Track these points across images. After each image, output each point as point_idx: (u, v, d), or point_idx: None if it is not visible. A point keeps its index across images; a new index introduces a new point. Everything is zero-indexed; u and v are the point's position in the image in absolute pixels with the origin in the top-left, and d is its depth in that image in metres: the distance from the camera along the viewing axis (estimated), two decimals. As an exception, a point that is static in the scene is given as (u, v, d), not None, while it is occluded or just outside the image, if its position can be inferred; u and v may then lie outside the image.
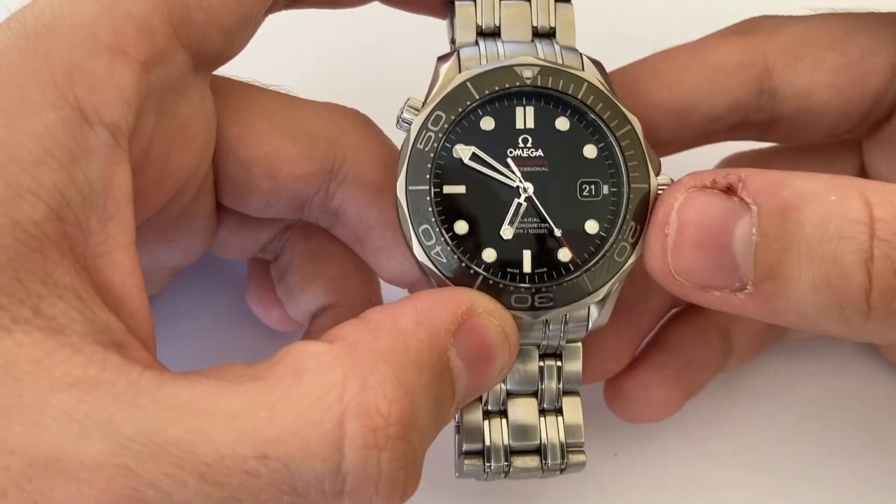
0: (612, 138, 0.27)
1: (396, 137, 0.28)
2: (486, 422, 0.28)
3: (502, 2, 0.27)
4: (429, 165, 0.26)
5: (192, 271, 0.35)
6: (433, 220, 0.26)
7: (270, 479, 0.20)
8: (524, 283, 0.26)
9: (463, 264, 0.26)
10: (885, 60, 0.30)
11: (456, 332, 0.24)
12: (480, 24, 0.27)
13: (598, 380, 0.33)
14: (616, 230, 0.27)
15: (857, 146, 0.33)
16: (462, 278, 0.26)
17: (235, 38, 0.26)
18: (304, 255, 0.32)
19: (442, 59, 0.27)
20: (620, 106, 0.27)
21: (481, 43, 0.27)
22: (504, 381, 0.28)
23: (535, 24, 0.28)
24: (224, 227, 0.31)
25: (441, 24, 0.30)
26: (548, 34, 0.28)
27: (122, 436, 0.20)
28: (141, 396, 0.20)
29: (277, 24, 0.29)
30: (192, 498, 0.20)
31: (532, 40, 0.28)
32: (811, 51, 0.31)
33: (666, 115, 0.30)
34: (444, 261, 0.26)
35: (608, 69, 0.29)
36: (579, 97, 0.27)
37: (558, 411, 0.28)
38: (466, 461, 0.28)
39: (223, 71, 0.28)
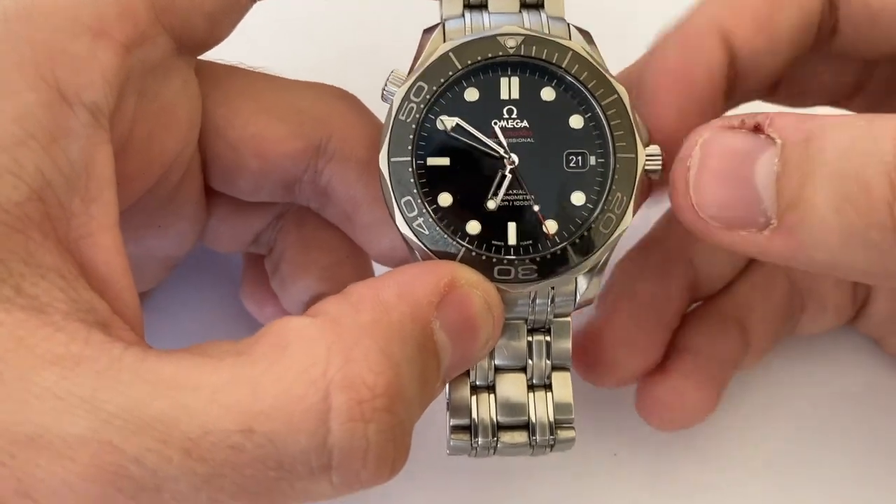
0: (598, 108, 0.27)
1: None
2: (474, 397, 0.28)
3: None
4: (411, 137, 0.26)
5: (185, 269, 0.35)
6: (415, 191, 0.26)
7: (255, 455, 0.20)
8: (509, 255, 0.26)
9: (446, 236, 0.26)
10: None
11: (439, 305, 0.24)
12: None
13: (630, 381, 0.33)
14: (602, 201, 0.26)
15: None
16: (445, 250, 0.26)
17: (219, 22, 0.26)
18: (296, 243, 0.32)
19: (427, 31, 0.27)
20: (607, 75, 0.27)
21: (467, 14, 0.27)
22: (492, 356, 0.27)
23: None
24: (215, 215, 0.31)
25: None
26: (536, 5, 0.28)
27: (104, 412, 0.20)
28: (124, 372, 0.20)
29: (272, 15, 0.29)
30: (177, 473, 0.20)
31: (520, 11, 0.28)
32: None
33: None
34: (427, 233, 0.26)
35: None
36: (564, 66, 0.27)
37: (547, 387, 0.28)
38: (453, 437, 0.27)
39: (211, 57, 0.28)
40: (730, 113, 0.31)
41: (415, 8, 0.30)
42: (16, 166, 0.21)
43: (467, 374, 0.27)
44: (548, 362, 0.28)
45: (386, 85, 0.26)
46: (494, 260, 0.26)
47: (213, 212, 0.31)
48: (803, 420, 0.35)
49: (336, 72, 0.35)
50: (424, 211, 0.26)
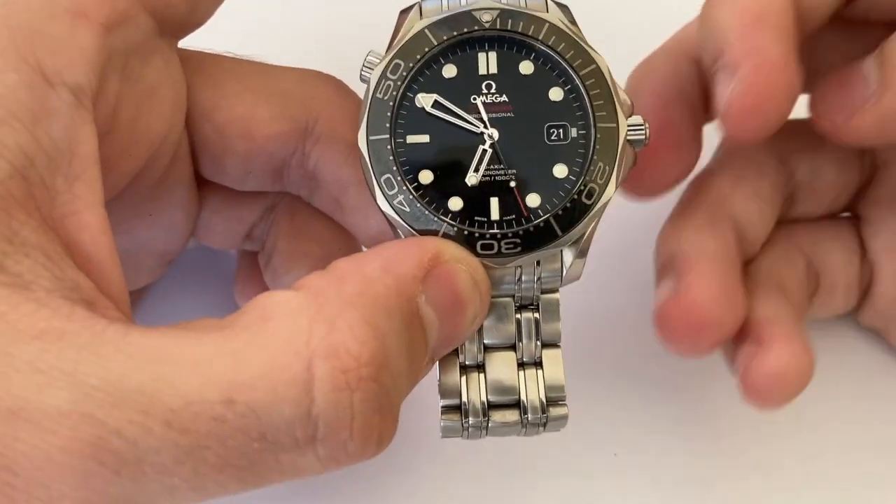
0: (577, 79, 0.27)
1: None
2: (464, 377, 0.27)
3: None
4: (389, 114, 0.26)
5: (180, 271, 0.36)
6: (394, 168, 0.26)
7: (238, 425, 0.20)
8: (492, 229, 0.26)
9: (427, 213, 0.26)
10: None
11: (424, 280, 0.24)
12: None
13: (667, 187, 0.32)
14: (584, 172, 0.26)
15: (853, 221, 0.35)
16: (428, 228, 0.26)
17: (200, 3, 0.27)
18: (288, 234, 0.33)
19: (404, 11, 0.28)
20: (585, 46, 0.27)
21: None
22: (480, 335, 0.27)
23: None
24: (207, 206, 0.32)
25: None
26: None
27: (86, 385, 0.20)
28: (106, 346, 0.20)
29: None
30: (159, 445, 0.20)
31: None
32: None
33: None
34: (408, 210, 0.26)
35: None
36: (541, 38, 0.27)
37: (538, 364, 0.28)
38: (444, 417, 0.27)
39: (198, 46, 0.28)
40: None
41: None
42: None
43: (456, 353, 0.27)
44: (538, 341, 0.28)
45: (363, 65, 0.27)
46: (477, 235, 0.26)
47: (205, 203, 0.31)
48: (803, 419, 0.35)
49: (321, 54, 0.36)
50: (405, 188, 0.26)
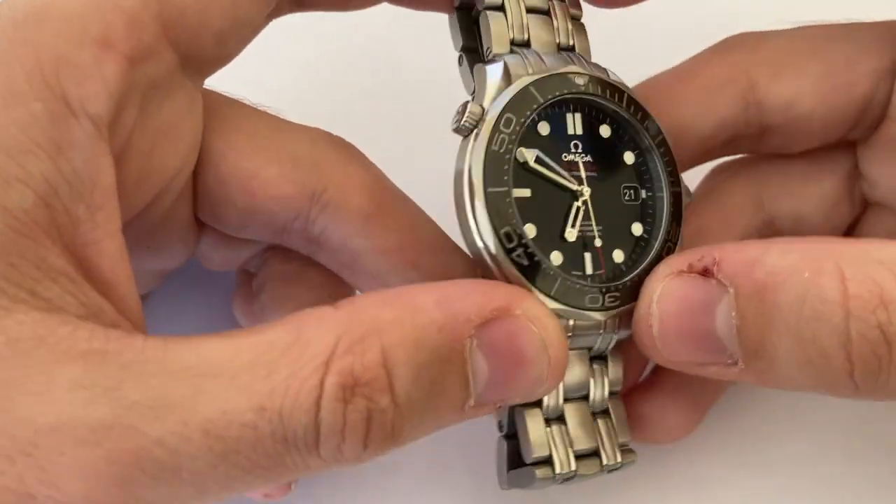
0: (651, 146, 0.28)
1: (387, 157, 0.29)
2: (549, 430, 0.28)
3: (528, 15, 0.28)
4: (505, 167, 0.26)
5: (181, 280, 0.36)
6: (514, 221, 0.26)
7: (267, 430, 0.21)
8: (592, 282, 0.27)
9: (543, 265, 0.26)
10: (868, 66, 0.31)
11: (482, 326, 0.23)
12: (513, 36, 0.28)
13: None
14: (662, 231, 0.28)
15: (850, 147, 0.34)
16: (545, 280, 0.26)
17: (229, 42, 0.26)
18: (279, 277, 0.32)
19: (480, 63, 0.28)
20: (651, 114, 0.28)
21: (519, 52, 0.28)
22: (559, 389, 0.28)
23: (558, 41, 0.29)
24: (204, 241, 0.31)
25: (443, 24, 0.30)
26: (569, 48, 0.29)
27: (129, 399, 0.21)
28: (147, 364, 0.21)
29: (280, 26, 0.30)
30: (196, 452, 0.21)
31: (558, 52, 0.29)
32: (792, 61, 0.31)
33: None
34: (528, 264, 0.26)
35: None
36: (623, 105, 0.28)
37: (606, 413, 0.29)
38: (538, 471, 0.28)
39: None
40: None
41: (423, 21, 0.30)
42: (23, 174, 0.21)
43: (539, 405, 0.28)
44: (604, 389, 0.28)
45: (465, 116, 0.26)
46: (586, 288, 0.26)
47: (203, 238, 0.31)
48: (803, 419, 0.35)
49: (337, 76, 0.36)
50: (524, 241, 0.26)
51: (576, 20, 0.30)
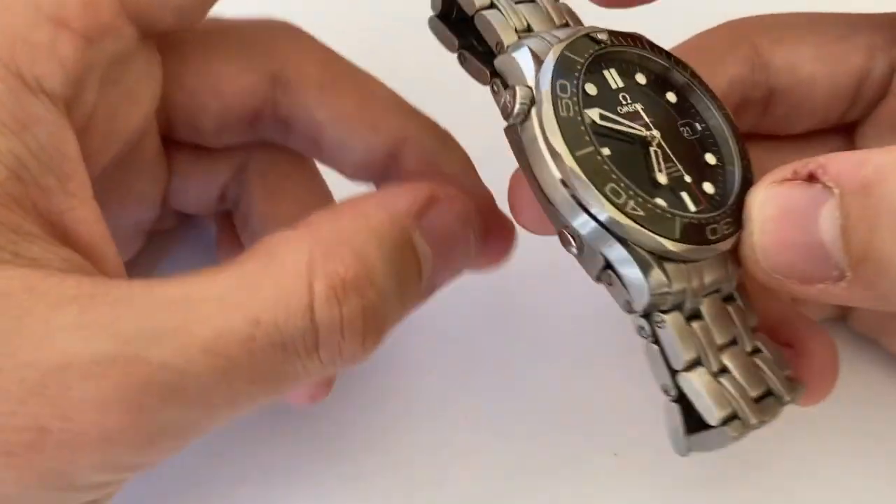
0: (685, 80, 0.28)
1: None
2: (719, 384, 0.26)
3: (517, 5, 0.28)
4: (582, 128, 0.25)
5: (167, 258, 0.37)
6: (614, 176, 0.25)
7: (265, 341, 0.23)
8: (705, 214, 0.26)
9: (658, 211, 0.25)
10: (861, 41, 0.32)
11: (418, 215, 0.26)
12: (515, 25, 0.28)
13: None
14: (735, 154, 0.28)
15: (845, 133, 0.34)
16: (665, 225, 0.25)
17: (189, 13, 0.27)
18: (262, 195, 0.34)
19: (493, 56, 0.28)
20: (672, 54, 0.29)
21: (529, 36, 0.28)
22: (713, 341, 0.27)
23: (555, 21, 0.29)
24: (176, 171, 0.32)
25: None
26: (566, 25, 0.29)
27: (127, 331, 0.22)
28: (137, 299, 0.23)
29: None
30: (201, 370, 0.22)
31: (558, 26, 0.29)
32: (790, 32, 0.32)
33: None
34: (643, 213, 0.25)
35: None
36: (648, 50, 0.28)
37: (757, 350, 0.28)
38: (730, 430, 0.26)
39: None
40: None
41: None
42: None
43: (703, 366, 0.26)
44: (746, 326, 0.28)
45: (516, 101, 0.26)
46: (704, 220, 0.25)
47: (175, 168, 0.32)
48: (803, 419, 0.35)
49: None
50: (632, 192, 0.25)
51: (558, 1, 0.30)
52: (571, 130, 0.25)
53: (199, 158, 0.32)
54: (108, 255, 0.25)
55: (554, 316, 0.38)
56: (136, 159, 0.30)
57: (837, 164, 0.23)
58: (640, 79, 0.28)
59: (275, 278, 0.23)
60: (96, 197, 0.25)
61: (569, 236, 0.26)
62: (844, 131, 0.34)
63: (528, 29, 0.28)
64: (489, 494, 0.34)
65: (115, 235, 0.27)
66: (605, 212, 0.24)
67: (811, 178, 0.24)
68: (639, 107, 0.27)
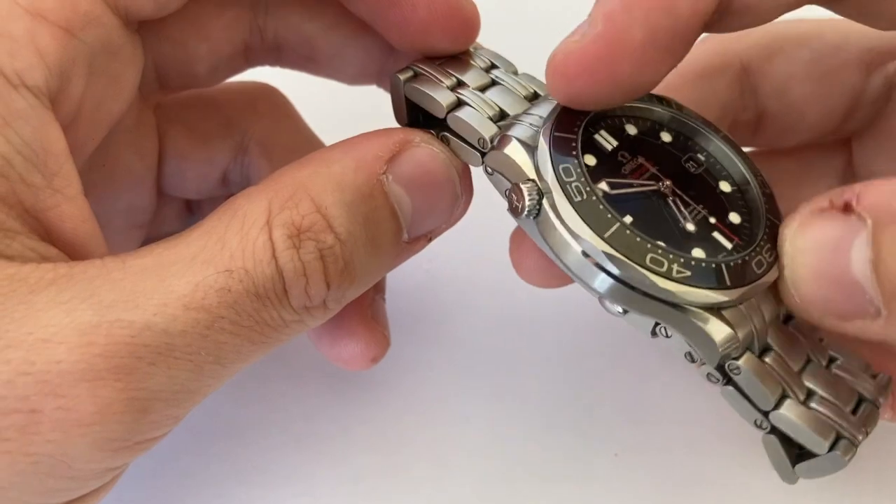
0: (669, 113, 0.28)
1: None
2: (818, 411, 0.26)
3: (486, 92, 0.28)
4: (601, 207, 0.25)
5: None
6: (650, 246, 0.24)
7: (240, 289, 0.23)
8: (743, 252, 0.26)
9: (703, 265, 0.25)
10: (854, 55, 0.31)
11: (391, 160, 0.26)
12: (489, 115, 0.27)
13: None
14: (747, 172, 0.28)
15: (842, 147, 0.34)
16: (712, 277, 0.25)
17: (168, 1, 0.27)
18: (270, 172, 0.33)
19: (497, 147, 0.27)
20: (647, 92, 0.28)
21: (506, 122, 0.27)
22: (788, 370, 0.26)
23: (524, 95, 0.29)
24: (172, 152, 0.32)
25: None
26: (535, 96, 0.29)
27: (107, 300, 0.22)
28: (113, 272, 0.23)
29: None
30: (184, 327, 0.23)
31: (533, 101, 0.29)
32: (782, 46, 0.32)
33: None
34: (690, 273, 0.24)
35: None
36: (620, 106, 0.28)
37: (832, 359, 0.27)
38: (841, 454, 0.26)
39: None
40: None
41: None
42: None
43: (790, 397, 0.26)
44: (813, 340, 0.27)
45: (525, 198, 0.25)
46: (747, 257, 0.25)
47: (170, 148, 0.32)
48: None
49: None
50: (672, 255, 0.24)
51: (516, 74, 0.29)
52: (591, 214, 0.25)
53: (194, 136, 0.32)
54: (95, 253, 0.25)
55: (554, 316, 0.38)
56: (118, 129, 0.29)
57: (874, 194, 0.22)
58: (631, 130, 0.28)
59: (239, 232, 0.24)
60: (83, 177, 0.25)
61: (605, 304, 0.25)
62: (843, 142, 0.34)
63: (502, 114, 0.28)
64: (489, 494, 0.34)
65: (108, 229, 0.27)
66: (654, 283, 0.24)
67: (846, 207, 0.23)
68: (640, 159, 0.27)
